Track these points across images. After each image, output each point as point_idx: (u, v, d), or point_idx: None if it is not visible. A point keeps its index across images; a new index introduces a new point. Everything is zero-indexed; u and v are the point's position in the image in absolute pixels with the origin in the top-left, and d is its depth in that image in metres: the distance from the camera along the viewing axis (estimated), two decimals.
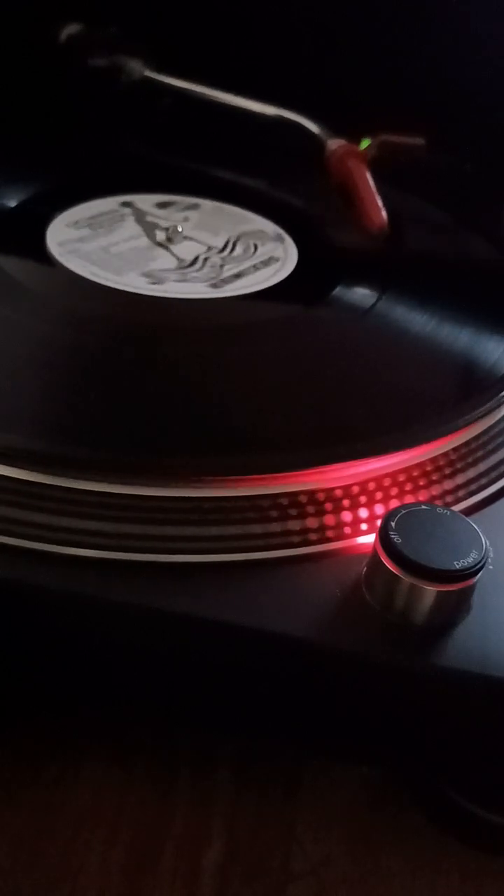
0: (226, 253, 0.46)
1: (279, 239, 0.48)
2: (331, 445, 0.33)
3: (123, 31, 0.60)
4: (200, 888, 0.31)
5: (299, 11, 0.59)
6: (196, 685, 0.31)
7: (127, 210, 0.49)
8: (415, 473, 0.34)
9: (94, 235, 0.46)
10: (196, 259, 0.45)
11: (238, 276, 0.43)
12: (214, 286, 0.42)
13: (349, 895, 0.32)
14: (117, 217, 0.48)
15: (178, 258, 0.45)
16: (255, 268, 0.44)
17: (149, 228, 0.47)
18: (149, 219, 0.48)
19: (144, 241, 0.46)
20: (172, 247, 0.46)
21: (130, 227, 0.47)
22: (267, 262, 0.45)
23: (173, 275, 0.43)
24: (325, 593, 0.29)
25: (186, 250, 0.45)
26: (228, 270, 0.44)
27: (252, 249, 0.46)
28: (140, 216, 0.49)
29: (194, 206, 0.51)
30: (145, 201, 0.50)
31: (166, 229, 0.47)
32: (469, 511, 0.33)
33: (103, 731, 0.35)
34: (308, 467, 0.32)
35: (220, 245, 0.46)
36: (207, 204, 0.51)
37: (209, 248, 0.46)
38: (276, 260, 0.45)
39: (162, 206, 0.50)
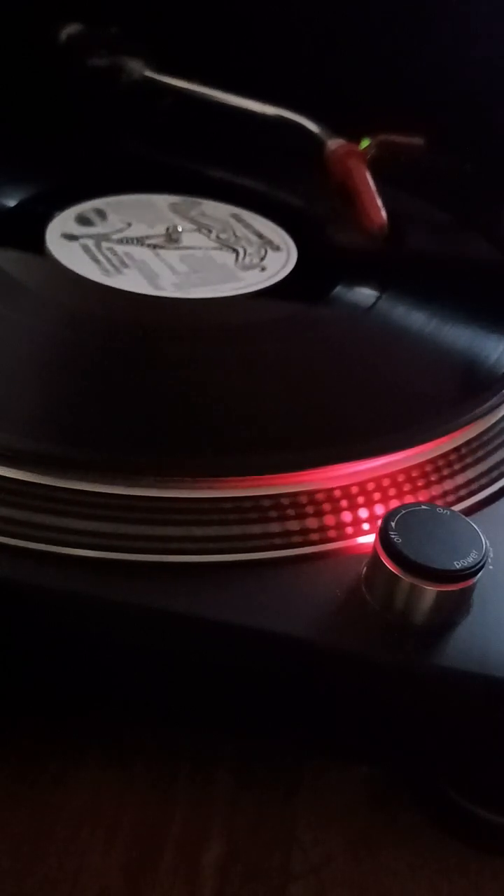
0: (225, 252, 0.46)
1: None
2: (331, 445, 0.33)
3: (123, 31, 0.60)
4: (200, 888, 0.31)
5: (299, 11, 0.59)
6: (196, 685, 0.31)
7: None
8: (415, 473, 0.34)
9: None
10: (197, 258, 0.45)
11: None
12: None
13: (349, 895, 0.32)
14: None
15: (178, 258, 0.44)
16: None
17: (148, 228, 0.47)
18: (148, 218, 0.48)
19: (145, 240, 0.46)
20: (173, 246, 0.46)
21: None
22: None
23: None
24: (325, 593, 0.29)
25: (186, 250, 0.45)
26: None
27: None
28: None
29: (195, 206, 0.51)
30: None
31: (167, 229, 0.47)
32: (469, 511, 0.33)
33: (103, 731, 0.35)
34: (308, 467, 0.32)
35: (220, 245, 0.46)
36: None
37: (209, 248, 0.46)
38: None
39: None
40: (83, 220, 0.47)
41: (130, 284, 0.41)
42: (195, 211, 0.50)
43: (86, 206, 0.48)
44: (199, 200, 0.51)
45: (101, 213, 0.48)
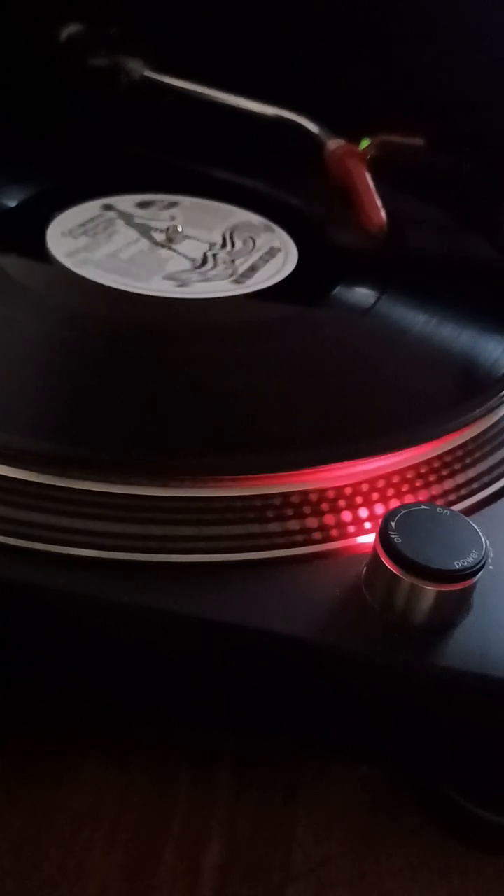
0: (226, 251, 0.46)
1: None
2: (331, 445, 0.33)
3: (123, 31, 0.60)
4: (200, 888, 0.31)
5: (299, 12, 0.59)
6: (196, 685, 0.31)
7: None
8: (415, 473, 0.34)
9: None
10: (199, 258, 0.45)
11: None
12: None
13: (349, 895, 0.32)
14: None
15: (180, 257, 0.44)
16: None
17: (148, 228, 0.47)
18: (148, 218, 0.48)
19: (145, 241, 0.46)
20: (174, 246, 0.46)
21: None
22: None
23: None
24: (325, 593, 0.29)
25: (188, 249, 0.45)
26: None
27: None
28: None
29: (194, 206, 0.51)
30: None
31: (166, 229, 0.47)
32: (469, 511, 0.33)
33: (103, 731, 0.35)
34: (308, 467, 0.32)
35: (221, 244, 0.46)
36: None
37: (210, 247, 0.46)
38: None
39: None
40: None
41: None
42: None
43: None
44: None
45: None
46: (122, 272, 0.42)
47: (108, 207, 0.49)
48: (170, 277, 0.42)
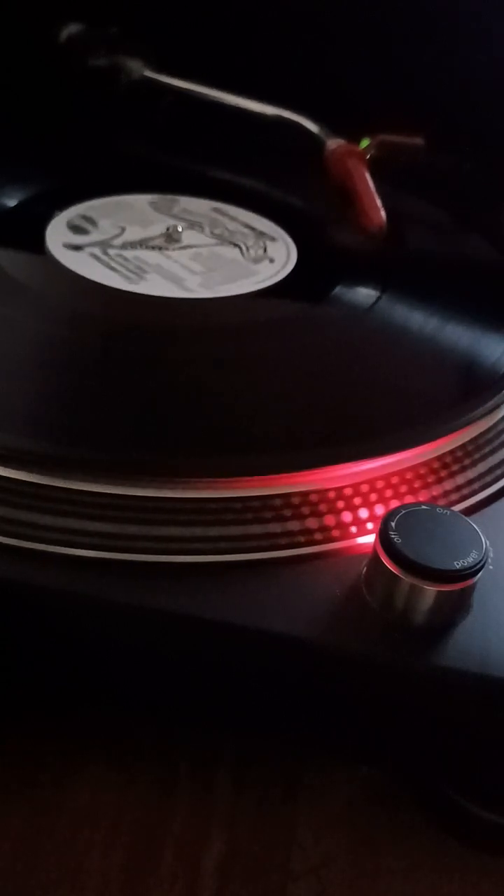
0: (228, 248, 0.46)
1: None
2: (331, 445, 0.33)
3: (123, 31, 0.60)
4: (200, 888, 0.31)
5: (299, 12, 0.59)
6: (196, 685, 0.31)
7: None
8: (415, 473, 0.34)
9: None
10: (204, 256, 0.45)
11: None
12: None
13: (349, 895, 0.32)
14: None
15: (186, 257, 0.44)
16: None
17: (148, 228, 0.47)
18: (147, 218, 0.48)
19: (146, 241, 0.46)
20: (174, 246, 0.46)
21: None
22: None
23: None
24: (325, 593, 0.29)
25: (188, 250, 0.45)
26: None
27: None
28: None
29: (193, 206, 0.51)
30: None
31: (166, 229, 0.47)
32: (469, 511, 0.33)
33: (103, 731, 0.35)
34: (308, 467, 0.32)
35: (220, 241, 0.46)
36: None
37: (211, 245, 0.46)
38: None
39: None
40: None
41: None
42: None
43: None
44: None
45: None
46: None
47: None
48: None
